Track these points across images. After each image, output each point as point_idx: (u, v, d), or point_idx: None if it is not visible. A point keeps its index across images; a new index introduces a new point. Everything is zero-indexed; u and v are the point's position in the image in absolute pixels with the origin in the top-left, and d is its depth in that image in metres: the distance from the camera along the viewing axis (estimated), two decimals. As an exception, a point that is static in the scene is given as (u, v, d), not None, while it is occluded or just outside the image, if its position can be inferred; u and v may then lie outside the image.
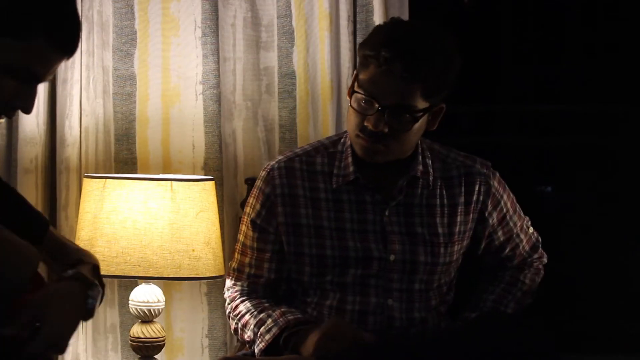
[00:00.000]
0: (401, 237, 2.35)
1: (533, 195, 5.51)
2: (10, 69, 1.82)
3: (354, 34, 3.18)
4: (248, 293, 2.48)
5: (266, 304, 2.43)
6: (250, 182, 2.96)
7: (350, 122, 2.32)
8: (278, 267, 2.45)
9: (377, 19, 3.14)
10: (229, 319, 2.51)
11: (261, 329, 2.36)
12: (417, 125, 2.28)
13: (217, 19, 3.20)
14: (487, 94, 5.65)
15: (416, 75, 2.20)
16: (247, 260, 2.48)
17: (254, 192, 2.47)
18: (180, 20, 3.23)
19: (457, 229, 2.40)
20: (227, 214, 3.17)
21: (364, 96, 2.25)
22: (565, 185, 5.48)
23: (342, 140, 2.43)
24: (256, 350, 2.37)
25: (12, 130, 3.16)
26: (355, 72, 2.32)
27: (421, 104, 2.25)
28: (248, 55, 3.21)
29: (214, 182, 2.97)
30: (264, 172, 2.45)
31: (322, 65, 3.17)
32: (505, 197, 2.49)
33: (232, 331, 2.51)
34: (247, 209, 2.48)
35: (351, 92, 2.31)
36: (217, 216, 2.93)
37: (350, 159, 2.37)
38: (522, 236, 2.53)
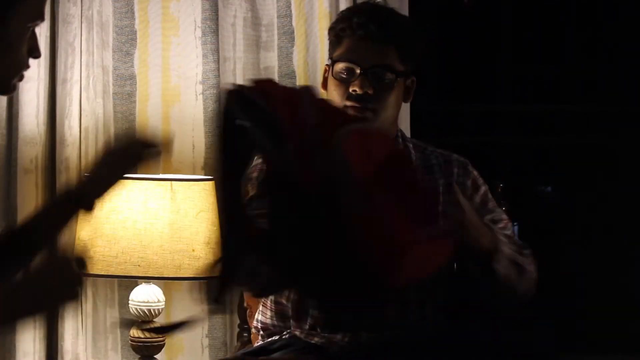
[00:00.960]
0: None
1: (533, 195, 5.52)
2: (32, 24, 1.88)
3: (354, 33, 3.17)
4: None
5: None
6: (250, 182, 2.96)
7: (334, 96, 2.34)
8: None
9: (377, 18, 3.14)
10: None
11: None
12: (395, 91, 2.33)
13: (217, 18, 3.20)
14: (487, 94, 5.65)
15: (391, 35, 2.32)
16: None
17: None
18: (180, 20, 3.23)
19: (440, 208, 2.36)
20: (227, 214, 3.17)
21: (344, 64, 2.32)
22: (565, 185, 5.48)
23: None
24: None
25: (12, 130, 3.16)
26: (326, 65, 2.38)
27: (399, 66, 2.34)
28: (248, 55, 3.21)
29: (214, 182, 2.97)
30: None
31: (322, 65, 3.16)
32: (485, 189, 2.46)
33: None
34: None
35: (327, 75, 2.35)
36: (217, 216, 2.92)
37: None
38: (509, 228, 2.47)
